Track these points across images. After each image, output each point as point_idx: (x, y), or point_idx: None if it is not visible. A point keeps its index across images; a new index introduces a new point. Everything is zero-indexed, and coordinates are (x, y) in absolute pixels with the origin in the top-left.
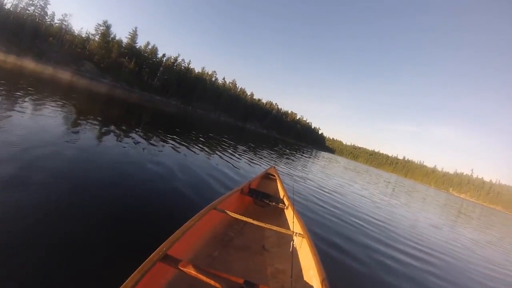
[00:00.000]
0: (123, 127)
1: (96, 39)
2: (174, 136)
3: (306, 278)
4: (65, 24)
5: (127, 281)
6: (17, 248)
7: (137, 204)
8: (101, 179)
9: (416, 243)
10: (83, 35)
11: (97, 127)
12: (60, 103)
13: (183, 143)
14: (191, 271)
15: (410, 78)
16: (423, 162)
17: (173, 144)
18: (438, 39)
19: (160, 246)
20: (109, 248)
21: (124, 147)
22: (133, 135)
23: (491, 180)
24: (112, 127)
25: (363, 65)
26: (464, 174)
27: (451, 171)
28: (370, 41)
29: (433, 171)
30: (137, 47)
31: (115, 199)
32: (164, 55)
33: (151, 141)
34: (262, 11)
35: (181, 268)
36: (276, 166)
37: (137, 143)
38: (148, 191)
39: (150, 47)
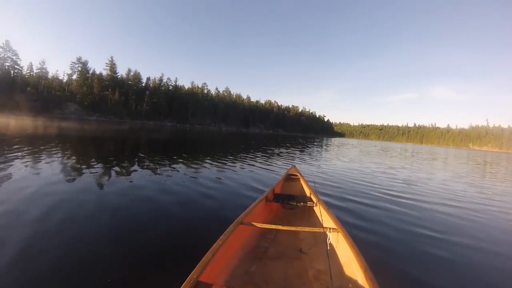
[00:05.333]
0: (123, 163)
1: (74, 77)
2: (181, 160)
3: (348, 273)
4: (43, 71)
5: None
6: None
7: (162, 234)
8: (116, 217)
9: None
10: (60, 77)
11: (100, 169)
12: (46, 154)
13: (191, 165)
14: None
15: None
16: (435, 124)
17: (181, 168)
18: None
19: (190, 275)
20: (140, 281)
21: (131, 181)
22: (135, 169)
23: (509, 126)
24: (113, 165)
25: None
26: (480, 126)
27: (466, 127)
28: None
29: (448, 130)
30: (119, 76)
31: (139, 234)
32: (148, 78)
33: (156, 171)
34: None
35: None
36: (296, 165)
37: (140, 177)
38: (169, 221)
39: (132, 73)
